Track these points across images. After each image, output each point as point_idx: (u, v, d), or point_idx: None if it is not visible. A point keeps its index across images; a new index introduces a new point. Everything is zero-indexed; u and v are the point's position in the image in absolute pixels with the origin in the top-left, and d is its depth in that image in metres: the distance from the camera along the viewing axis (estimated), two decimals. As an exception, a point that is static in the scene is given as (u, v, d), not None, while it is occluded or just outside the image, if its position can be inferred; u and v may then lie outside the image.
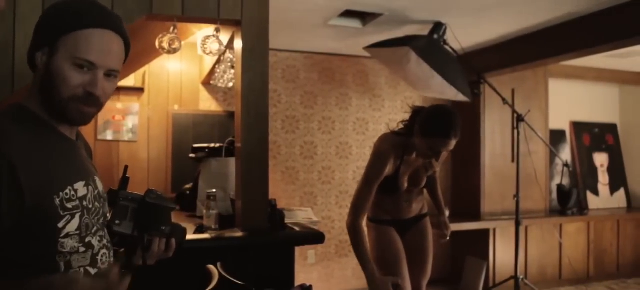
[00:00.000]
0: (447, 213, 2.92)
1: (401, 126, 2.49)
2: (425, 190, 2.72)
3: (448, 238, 2.72)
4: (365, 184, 2.37)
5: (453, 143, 2.23)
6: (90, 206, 1.08)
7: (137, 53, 3.32)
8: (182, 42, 2.82)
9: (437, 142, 2.22)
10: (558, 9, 3.39)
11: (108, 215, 1.17)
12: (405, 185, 2.51)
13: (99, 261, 1.10)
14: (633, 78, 5.55)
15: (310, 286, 2.00)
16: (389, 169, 2.38)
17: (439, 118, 2.25)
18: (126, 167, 1.20)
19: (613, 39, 3.39)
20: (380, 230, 2.56)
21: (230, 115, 4.25)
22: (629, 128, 5.85)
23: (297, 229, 2.49)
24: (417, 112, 2.42)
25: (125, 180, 1.17)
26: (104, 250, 1.12)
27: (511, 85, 4.83)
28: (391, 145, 2.40)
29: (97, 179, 1.16)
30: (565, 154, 5.53)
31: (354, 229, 2.31)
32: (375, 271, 2.23)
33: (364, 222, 2.41)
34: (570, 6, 3.32)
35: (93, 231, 1.09)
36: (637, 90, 5.74)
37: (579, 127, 5.66)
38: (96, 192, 1.12)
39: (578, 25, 3.57)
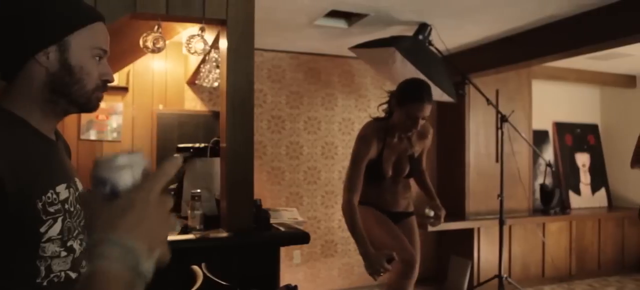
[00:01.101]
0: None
1: (383, 115, 2.66)
2: (411, 186, 2.77)
3: (442, 220, 2.70)
4: (353, 164, 2.51)
5: (427, 108, 2.43)
6: (72, 209, 1.06)
7: (121, 52, 3.29)
8: (167, 41, 2.80)
9: (412, 107, 2.42)
10: (541, 11, 3.44)
11: None
12: (390, 172, 2.58)
13: (79, 265, 1.07)
14: (613, 79, 5.64)
15: (296, 286, 2.00)
16: (372, 152, 2.52)
17: (411, 86, 2.51)
18: None
19: (594, 41, 3.44)
20: (368, 209, 2.63)
21: (216, 115, 4.23)
22: (610, 128, 5.95)
23: (282, 229, 2.49)
24: (393, 94, 2.62)
25: None
26: (84, 254, 1.11)
27: (495, 86, 4.87)
28: (373, 130, 2.56)
29: (77, 180, 1.14)
30: (548, 154, 5.60)
31: (349, 207, 2.42)
32: (369, 247, 2.31)
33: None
34: (553, 8, 3.37)
35: (74, 234, 1.07)
36: (617, 91, 5.84)
37: (561, 128, 5.74)
38: (77, 193, 1.10)
39: (561, 27, 3.62)
